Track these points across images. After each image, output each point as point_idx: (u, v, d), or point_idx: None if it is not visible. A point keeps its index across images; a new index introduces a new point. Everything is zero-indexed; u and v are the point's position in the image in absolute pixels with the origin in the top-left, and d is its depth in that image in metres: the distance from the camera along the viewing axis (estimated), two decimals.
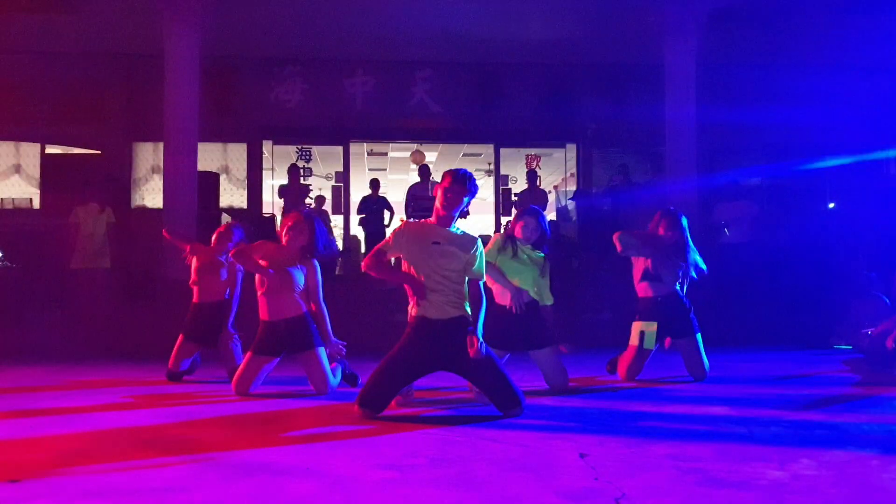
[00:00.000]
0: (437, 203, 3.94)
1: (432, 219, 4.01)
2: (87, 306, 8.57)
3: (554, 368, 4.71)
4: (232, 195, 12.44)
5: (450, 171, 3.98)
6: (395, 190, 15.02)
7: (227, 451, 3.02)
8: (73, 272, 8.69)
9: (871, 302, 7.58)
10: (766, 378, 5.32)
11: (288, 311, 4.71)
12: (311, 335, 4.71)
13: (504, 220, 12.71)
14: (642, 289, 5.28)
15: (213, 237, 5.63)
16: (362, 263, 4.08)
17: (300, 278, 4.73)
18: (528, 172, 12.30)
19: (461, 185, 3.89)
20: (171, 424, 3.69)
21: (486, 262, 4.22)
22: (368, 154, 14.58)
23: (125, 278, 9.05)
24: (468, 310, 3.88)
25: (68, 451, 3.04)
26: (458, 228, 4.02)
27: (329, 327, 4.71)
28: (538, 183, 11.96)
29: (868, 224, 9.35)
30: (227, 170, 12.56)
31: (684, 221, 5.31)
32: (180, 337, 5.53)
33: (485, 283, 4.14)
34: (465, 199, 3.94)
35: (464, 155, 14.60)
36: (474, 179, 4.00)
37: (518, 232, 4.82)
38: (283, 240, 4.77)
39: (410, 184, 12.22)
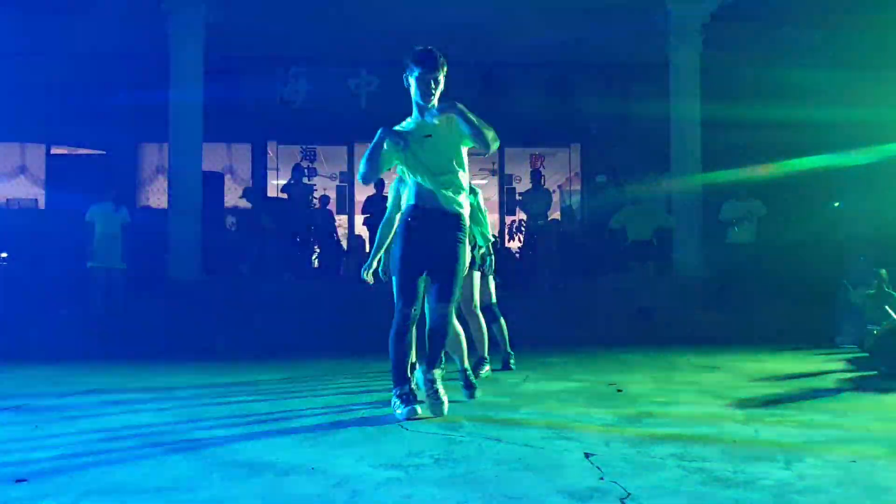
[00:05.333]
0: (415, 97, 3.78)
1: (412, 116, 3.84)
2: (101, 306, 8.61)
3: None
4: (237, 196, 12.46)
5: (414, 59, 3.71)
6: None
7: (231, 450, 3.02)
8: (88, 271, 8.72)
9: (877, 298, 7.55)
10: (771, 377, 5.31)
11: None
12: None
13: (508, 219, 12.70)
14: None
15: None
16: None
17: None
18: (532, 172, 12.30)
19: (431, 63, 3.68)
20: (177, 423, 3.70)
21: None
22: None
23: (137, 278, 9.09)
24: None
25: (73, 450, 3.05)
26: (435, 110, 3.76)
27: None
28: (542, 182, 11.94)
29: (875, 222, 9.32)
30: (231, 170, 12.59)
31: None
32: None
33: None
34: (440, 77, 3.73)
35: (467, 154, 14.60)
36: (435, 52, 3.73)
37: None
38: None
39: None
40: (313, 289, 9.45)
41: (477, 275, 5.15)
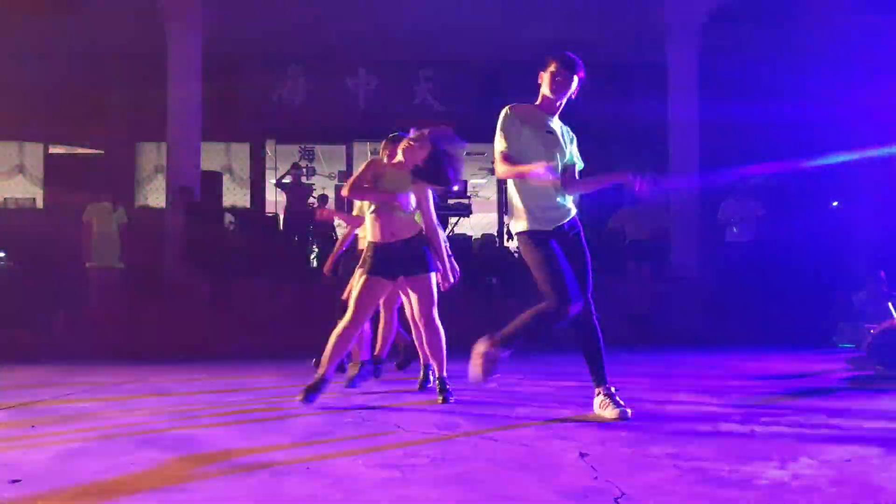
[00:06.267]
0: (545, 89, 3.75)
1: (538, 102, 3.81)
2: (99, 306, 8.60)
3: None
4: (235, 194, 12.47)
5: (555, 56, 3.74)
6: None
7: (227, 449, 3.02)
8: (86, 271, 8.71)
9: (876, 298, 7.57)
10: (767, 376, 5.31)
11: (403, 231, 4.34)
12: (427, 258, 4.36)
13: (507, 219, 12.71)
14: None
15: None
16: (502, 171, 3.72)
17: (411, 198, 4.35)
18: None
19: (569, 69, 3.71)
20: (172, 423, 3.70)
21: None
22: (371, 153, 14.59)
23: (134, 278, 9.08)
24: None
25: (69, 450, 3.05)
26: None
27: (444, 251, 4.47)
28: None
29: (873, 222, 9.33)
30: (230, 169, 12.59)
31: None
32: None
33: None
34: (574, 84, 3.74)
35: (467, 154, 14.60)
36: (581, 63, 3.75)
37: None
38: (402, 156, 4.35)
39: None
40: (312, 288, 9.43)
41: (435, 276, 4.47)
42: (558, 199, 3.75)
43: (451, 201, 10.86)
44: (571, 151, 3.88)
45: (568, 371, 5.65)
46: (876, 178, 9.73)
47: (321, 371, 4.20)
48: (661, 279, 9.80)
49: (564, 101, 3.80)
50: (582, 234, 3.81)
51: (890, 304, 7.24)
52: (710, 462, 2.68)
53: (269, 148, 12.94)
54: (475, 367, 3.57)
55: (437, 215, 4.48)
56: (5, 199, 11.98)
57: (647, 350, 7.16)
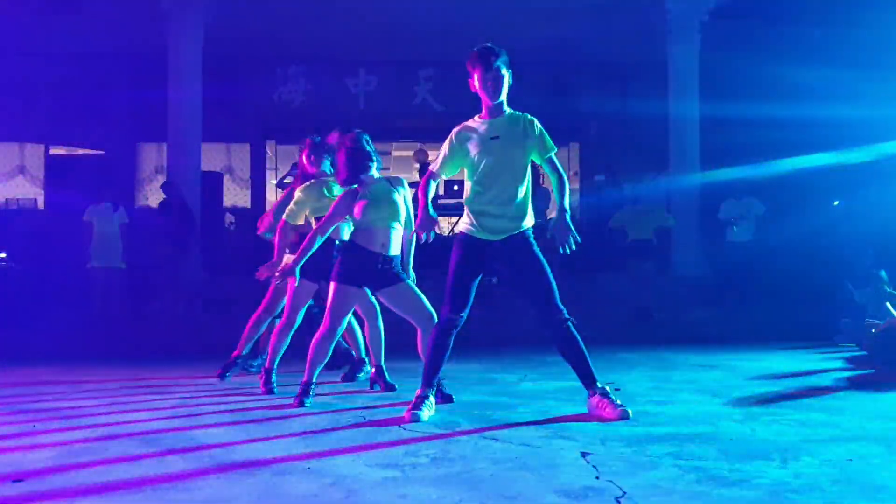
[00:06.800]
0: (483, 96, 3.75)
1: (482, 114, 3.80)
2: (100, 306, 8.60)
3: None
4: (235, 195, 12.47)
5: (471, 58, 3.71)
6: None
7: (228, 449, 3.03)
8: (87, 272, 8.71)
9: (877, 298, 7.56)
10: (768, 375, 5.31)
11: (393, 247, 4.26)
12: (398, 271, 4.30)
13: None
14: None
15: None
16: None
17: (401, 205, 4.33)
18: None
19: (490, 63, 3.68)
20: (173, 422, 3.70)
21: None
22: None
23: (135, 278, 9.07)
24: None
25: (71, 450, 3.05)
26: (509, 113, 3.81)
27: (412, 250, 4.42)
28: (541, 182, 11.94)
29: (875, 220, 9.32)
30: (230, 170, 12.58)
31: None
32: None
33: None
34: (508, 74, 3.73)
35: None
36: (496, 50, 3.73)
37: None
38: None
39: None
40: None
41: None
42: (504, 209, 3.72)
43: (451, 201, 10.84)
44: (538, 141, 3.83)
45: (568, 371, 5.64)
46: (876, 177, 9.73)
47: (305, 377, 4.28)
48: (661, 278, 9.80)
49: (505, 95, 3.78)
50: (534, 245, 3.76)
51: (888, 304, 7.24)
52: (711, 461, 2.68)
53: (269, 148, 12.94)
54: (411, 409, 3.63)
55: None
56: (6, 199, 11.98)
57: (647, 349, 7.15)
